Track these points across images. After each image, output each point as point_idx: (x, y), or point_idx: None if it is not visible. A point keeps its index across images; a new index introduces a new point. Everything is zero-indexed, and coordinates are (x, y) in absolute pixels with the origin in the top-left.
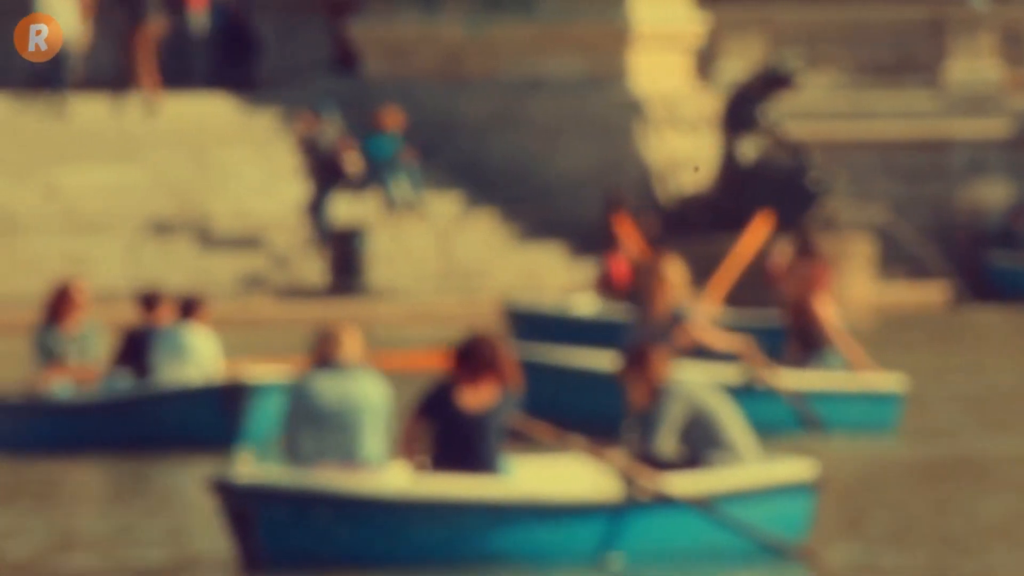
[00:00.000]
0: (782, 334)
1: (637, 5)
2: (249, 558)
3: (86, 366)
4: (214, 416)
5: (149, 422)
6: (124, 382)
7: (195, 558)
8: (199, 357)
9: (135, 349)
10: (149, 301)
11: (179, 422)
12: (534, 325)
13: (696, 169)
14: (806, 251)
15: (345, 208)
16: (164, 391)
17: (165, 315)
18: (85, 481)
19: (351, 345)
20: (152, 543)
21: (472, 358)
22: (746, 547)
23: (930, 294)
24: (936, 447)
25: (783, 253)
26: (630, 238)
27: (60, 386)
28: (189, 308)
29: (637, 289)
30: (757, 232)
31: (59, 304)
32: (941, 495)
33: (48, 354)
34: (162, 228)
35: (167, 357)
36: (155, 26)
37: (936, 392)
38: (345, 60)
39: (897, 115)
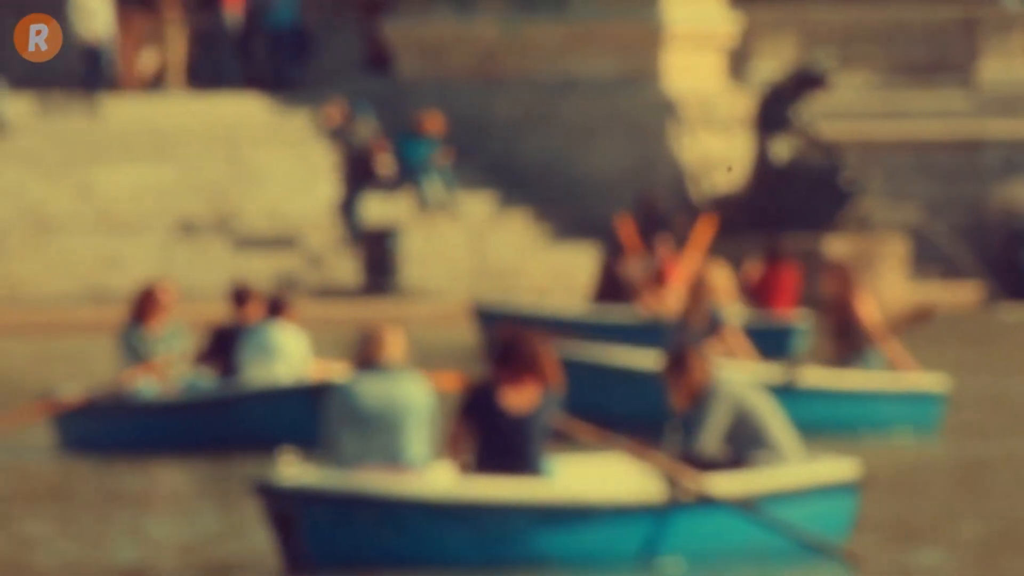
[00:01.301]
0: (792, 334)
1: (670, 5)
2: (292, 560)
3: (163, 358)
4: (305, 416)
5: (239, 422)
6: (207, 380)
7: (240, 560)
8: (287, 356)
9: (223, 346)
10: (240, 297)
11: (269, 422)
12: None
13: (729, 169)
14: (774, 258)
15: (378, 208)
16: (255, 390)
17: (254, 312)
18: (166, 483)
19: (394, 346)
20: (207, 544)
21: (513, 358)
22: (789, 548)
23: (963, 294)
24: (977, 447)
25: (754, 268)
26: (628, 239)
27: (145, 385)
28: (277, 307)
29: (621, 290)
30: (702, 233)
31: (144, 304)
32: (984, 495)
33: (134, 354)
34: (195, 228)
35: (254, 355)
36: (139, 20)
37: (970, 392)
38: (378, 60)
39: (930, 115)
